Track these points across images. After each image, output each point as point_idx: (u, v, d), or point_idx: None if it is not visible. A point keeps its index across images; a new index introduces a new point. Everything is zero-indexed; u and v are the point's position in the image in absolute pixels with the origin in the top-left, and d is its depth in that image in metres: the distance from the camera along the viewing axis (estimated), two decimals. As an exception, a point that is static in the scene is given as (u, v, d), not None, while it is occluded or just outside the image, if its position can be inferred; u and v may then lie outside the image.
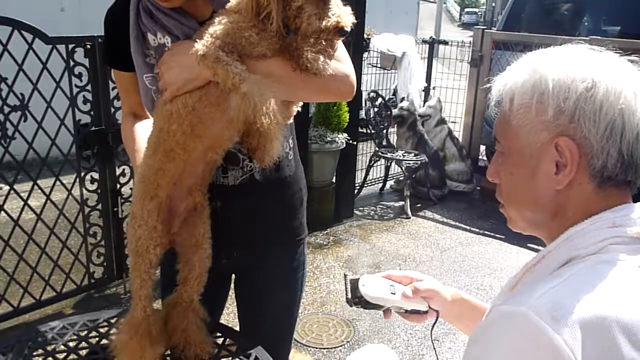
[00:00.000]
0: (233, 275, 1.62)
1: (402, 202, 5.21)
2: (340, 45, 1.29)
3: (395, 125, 5.65)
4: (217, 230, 1.38)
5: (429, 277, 1.30)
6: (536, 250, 4.23)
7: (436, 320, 1.26)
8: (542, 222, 0.93)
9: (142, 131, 1.44)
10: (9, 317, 2.94)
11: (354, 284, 1.26)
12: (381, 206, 5.34)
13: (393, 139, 5.82)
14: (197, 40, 1.21)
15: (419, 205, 5.30)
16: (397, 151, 5.43)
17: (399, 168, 5.51)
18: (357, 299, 1.24)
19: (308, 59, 1.19)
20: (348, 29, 1.20)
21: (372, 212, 5.18)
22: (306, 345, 3.02)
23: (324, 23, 1.18)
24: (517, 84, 0.91)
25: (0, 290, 2.88)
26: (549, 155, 0.87)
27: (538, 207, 0.92)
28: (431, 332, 1.32)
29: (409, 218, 4.99)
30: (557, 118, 0.85)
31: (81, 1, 5.91)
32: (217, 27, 1.20)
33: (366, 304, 1.24)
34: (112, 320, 1.56)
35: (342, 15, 1.19)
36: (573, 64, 0.87)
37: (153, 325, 1.33)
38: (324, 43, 1.21)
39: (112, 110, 3.03)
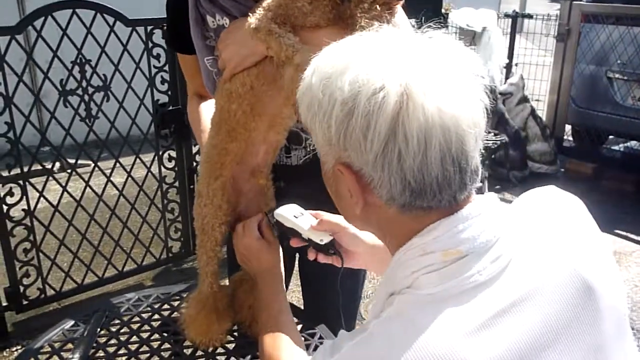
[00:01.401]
0: (297, 254, 1.62)
1: (481, 184, 5.02)
2: (399, 10, 1.22)
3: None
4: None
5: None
6: (624, 237, 3.99)
7: (342, 264, 1.22)
8: (377, 235, 0.86)
9: (207, 111, 1.46)
10: (94, 287, 3.09)
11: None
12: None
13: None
14: (251, 15, 1.20)
15: (498, 187, 5.09)
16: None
17: (478, 148, 5.32)
18: (274, 225, 1.27)
19: (362, 26, 1.13)
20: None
21: (448, 193, 5.03)
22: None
23: None
24: (301, 95, 0.81)
25: (86, 261, 3.02)
26: (340, 178, 0.78)
27: (359, 224, 0.88)
28: (339, 279, 1.23)
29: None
30: (329, 145, 0.76)
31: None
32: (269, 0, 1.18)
33: (280, 228, 1.26)
34: (183, 294, 1.61)
35: None
36: (337, 74, 0.73)
37: (220, 301, 1.36)
38: (378, 8, 1.15)
39: None
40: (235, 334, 1.43)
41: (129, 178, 3.05)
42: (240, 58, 1.22)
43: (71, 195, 2.87)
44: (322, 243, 1.21)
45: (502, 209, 0.82)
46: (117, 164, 2.98)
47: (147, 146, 3.08)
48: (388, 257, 1.09)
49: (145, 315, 1.55)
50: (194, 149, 3.23)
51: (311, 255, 1.25)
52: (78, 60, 2.70)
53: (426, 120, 0.69)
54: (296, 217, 1.25)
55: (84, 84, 2.74)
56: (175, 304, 1.59)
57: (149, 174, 3.16)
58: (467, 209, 0.75)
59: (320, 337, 1.41)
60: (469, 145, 0.72)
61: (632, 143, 5.55)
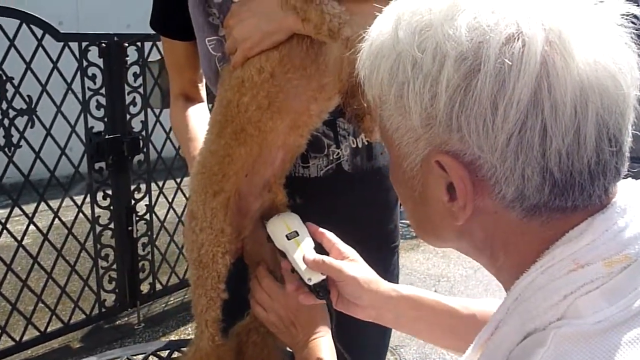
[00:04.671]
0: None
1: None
2: None
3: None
4: None
5: (358, 259, 0.99)
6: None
7: (331, 319, 0.97)
8: (474, 255, 0.65)
9: (198, 116, 1.24)
10: (10, 353, 2.71)
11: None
12: (401, 224, 5.08)
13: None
14: None
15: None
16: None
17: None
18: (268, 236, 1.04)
19: None
20: None
21: (395, 230, 4.94)
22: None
23: None
24: (373, 60, 0.61)
25: (0, 322, 2.67)
26: (434, 174, 0.58)
27: (449, 241, 0.65)
28: (332, 330, 0.98)
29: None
30: (428, 125, 0.56)
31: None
32: None
33: (269, 240, 1.03)
34: (164, 355, 1.27)
35: None
36: (443, 18, 0.54)
37: (224, 358, 1.08)
38: None
39: (128, 116, 2.86)
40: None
41: (56, 219, 2.73)
42: (259, 36, 0.98)
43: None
44: (310, 283, 0.95)
45: None
46: (42, 203, 2.66)
47: (79, 182, 2.81)
48: (421, 315, 0.92)
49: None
50: (133, 185, 2.97)
51: (290, 287, 0.98)
52: (-3, 78, 2.43)
53: (581, 80, 0.51)
54: (289, 239, 1.00)
55: (4, 105, 2.48)
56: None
57: (80, 214, 2.84)
58: (621, 199, 0.58)
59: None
60: (628, 114, 0.55)
61: None
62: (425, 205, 0.63)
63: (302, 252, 0.97)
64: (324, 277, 0.95)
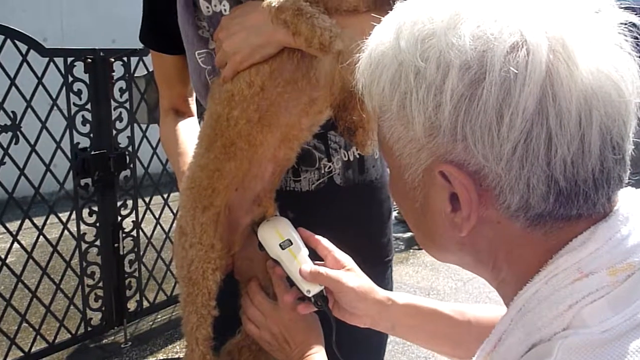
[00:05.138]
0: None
1: (411, 233, 4.95)
2: None
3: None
4: None
5: (354, 267, 0.98)
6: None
7: (332, 328, 0.95)
8: (475, 269, 0.64)
9: (188, 131, 1.22)
10: None
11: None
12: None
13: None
14: None
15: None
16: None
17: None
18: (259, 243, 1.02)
19: None
20: None
21: (383, 244, 4.92)
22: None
23: None
24: (374, 70, 0.60)
25: None
26: (437, 185, 0.57)
27: (451, 253, 0.64)
28: (333, 343, 0.95)
29: (422, 249, 4.73)
30: (431, 135, 0.55)
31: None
32: None
33: (261, 248, 1.01)
34: None
35: None
36: (446, 27, 0.53)
37: None
38: None
39: (115, 132, 2.83)
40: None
41: (40, 237, 2.67)
42: (249, 50, 0.97)
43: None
44: (310, 295, 0.94)
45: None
46: (26, 221, 2.61)
47: (64, 198, 2.78)
48: (420, 322, 0.92)
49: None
50: (119, 202, 2.92)
51: (288, 298, 0.97)
52: (-20, 94, 2.38)
53: (585, 88, 0.50)
54: (283, 248, 0.98)
55: (-12, 122, 2.42)
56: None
57: (65, 231, 2.79)
58: (623, 208, 0.57)
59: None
60: (630, 122, 0.55)
61: None
62: (427, 217, 0.62)
63: (298, 263, 0.96)
64: (322, 287, 0.94)
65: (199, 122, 1.26)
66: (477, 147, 0.52)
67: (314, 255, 0.98)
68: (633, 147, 0.56)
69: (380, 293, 0.94)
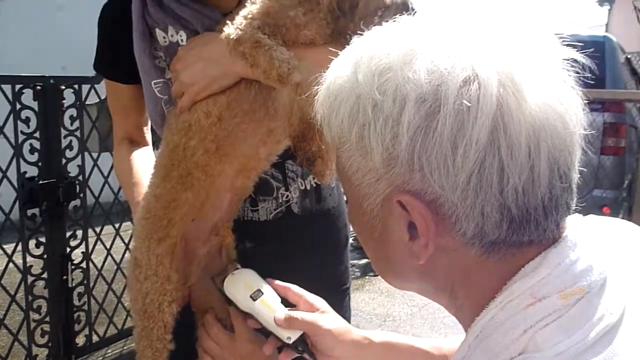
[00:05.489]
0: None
1: (367, 260, 4.96)
2: None
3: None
4: None
5: (328, 309, 0.97)
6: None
7: None
8: (434, 296, 0.66)
9: (142, 161, 1.20)
10: None
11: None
12: (347, 265, 5.07)
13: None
14: (223, 29, 0.97)
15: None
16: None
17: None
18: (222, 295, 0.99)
19: None
20: (415, 6, 0.99)
21: (340, 271, 4.90)
22: None
23: None
24: (332, 102, 0.61)
25: None
26: (395, 214, 0.59)
27: (410, 281, 0.65)
28: None
29: (377, 275, 4.72)
30: (389, 166, 0.56)
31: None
32: (252, 7, 0.97)
33: (229, 303, 0.98)
34: None
35: None
36: (401, 62, 0.55)
37: None
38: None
39: (64, 161, 2.74)
40: None
41: None
42: (207, 81, 0.98)
43: None
44: (290, 342, 0.92)
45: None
46: None
47: (10, 229, 2.63)
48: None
49: None
50: (68, 232, 2.81)
51: (267, 349, 0.95)
52: None
53: (533, 120, 0.53)
54: (254, 299, 0.95)
55: None
56: None
57: (10, 264, 2.66)
58: (571, 234, 0.60)
59: None
60: (575, 152, 0.57)
61: None
62: (386, 246, 0.62)
63: (273, 312, 0.93)
64: (301, 332, 0.92)
65: (154, 151, 1.24)
66: (433, 177, 0.54)
67: (287, 304, 0.96)
68: (578, 175, 0.58)
69: (356, 332, 0.94)
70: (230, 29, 0.94)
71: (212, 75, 0.97)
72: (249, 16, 0.95)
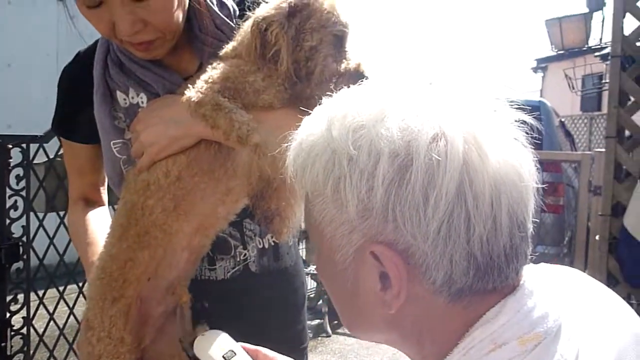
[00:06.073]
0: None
1: (319, 320, 4.91)
2: None
3: (304, 240, 5.46)
4: None
5: None
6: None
7: None
8: (401, 345, 0.68)
9: (98, 220, 1.19)
10: None
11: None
12: (299, 325, 4.98)
13: (303, 252, 5.60)
14: (184, 92, 1.00)
15: (336, 322, 5.01)
16: (309, 265, 5.19)
17: (313, 282, 5.26)
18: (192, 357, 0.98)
19: None
20: (367, 73, 1.05)
21: (291, 332, 4.80)
22: None
23: (343, 65, 1.00)
24: (306, 158, 0.63)
25: None
26: (367, 264, 0.60)
27: (378, 331, 0.67)
28: None
29: (330, 336, 4.69)
30: (363, 217, 0.59)
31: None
32: (213, 72, 1.01)
33: None
34: None
35: (361, 56, 1.04)
36: (374, 120, 0.59)
37: None
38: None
39: (8, 221, 2.60)
40: None
41: None
42: (167, 141, 1.00)
43: None
44: None
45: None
46: None
47: None
48: None
49: None
50: (9, 296, 2.64)
51: None
52: None
53: (495, 175, 0.58)
54: None
55: None
56: None
57: None
58: (528, 281, 0.63)
59: None
60: (530, 204, 0.62)
61: None
62: (357, 297, 0.64)
63: None
64: None
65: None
66: (406, 227, 0.57)
67: None
68: (532, 226, 0.62)
69: None
70: (192, 92, 0.97)
71: (173, 136, 0.99)
72: (210, 80, 0.98)
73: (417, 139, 0.56)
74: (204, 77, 0.99)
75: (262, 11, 0.98)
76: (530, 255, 0.64)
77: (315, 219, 0.64)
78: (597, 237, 2.61)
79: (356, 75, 1.02)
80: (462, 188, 0.56)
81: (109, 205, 1.25)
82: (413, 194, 0.56)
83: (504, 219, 0.57)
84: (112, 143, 1.09)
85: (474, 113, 0.60)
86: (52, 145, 2.51)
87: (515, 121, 0.62)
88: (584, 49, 10.24)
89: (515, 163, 0.59)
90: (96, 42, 1.12)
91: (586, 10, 9.53)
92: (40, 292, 2.84)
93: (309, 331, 4.68)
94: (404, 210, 0.56)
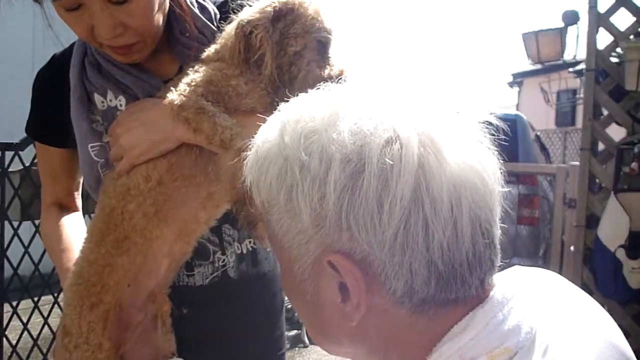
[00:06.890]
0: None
1: (297, 331, 4.87)
2: None
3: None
4: (184, 345, 1.08)
5: None
6: None
7: None
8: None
9: (72, 226, 1.16)
10: None
11: None
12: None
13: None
14: (165, 95, 0.99)
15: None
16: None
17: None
18: None
19: None
20: (350, 80, 1.06)
21: (270, 344, 4.76)
22: None
23: (326, 71, 1.01)
24: (261, 166, 0.62)
25: None
26: (326, 275, 0.58)
27: (344, 345, 0.64)
28: None
29: (307, 347, 4.66)
30: (318, 226, 0.57)
31: None
32: (195, 75, 1.00)
33: None
34: None
35: (345, 63, 1.04)
36: (326, 125, 0.57)
37: None
38: None
39: None
40: None
41: None
42: (147, 145, 0.99)
43: None
44: None
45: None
46: None
47: None
48: None
49: None
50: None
51: None
52: None
53: (454, 178, 0.55)
54: None
55: None
56: None
57: None
58: (498, 292, 0.60)
59: None
60: (495, 209, 0.59)
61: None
62: (319, 309, 0.61)
63: None
64: None
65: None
66: (361, 235, 0.54)
67: None
68: (500, 232, 0.60)
69: None
70: (174, 95, 0.96)
71: (153, 140, 0.98)
72: (193, 83, 0.97)
73: (370, 143, 0.54)
74: (186, 80, 0.98)
75: (246, 14, 0.98)
76: (503, 266, 0.62)
77: (273, 229, 0.62)
78: (571, 248, 2.65)
79: (339, 82, 1.03)
80: (418, 192, 0.53)
81: (84, 214, 1.23)
82: (367, 200, 0.53)
83: (466, 223, 0.55)
84: (89, 146, 1.07)
85: (431, 115, 0.58)
86: (28, 153, 2.48)
87: (481, 122, 0.61)
88: (559, 63, 10.41)
89: (477, 166, 0.56)
90: (72, 44, 1.11)
91: (562, 24, 9.71)
92: (14, 303, 2.78)
93: (286, 342, 4.65)
94: (357, 218, 0.54)
